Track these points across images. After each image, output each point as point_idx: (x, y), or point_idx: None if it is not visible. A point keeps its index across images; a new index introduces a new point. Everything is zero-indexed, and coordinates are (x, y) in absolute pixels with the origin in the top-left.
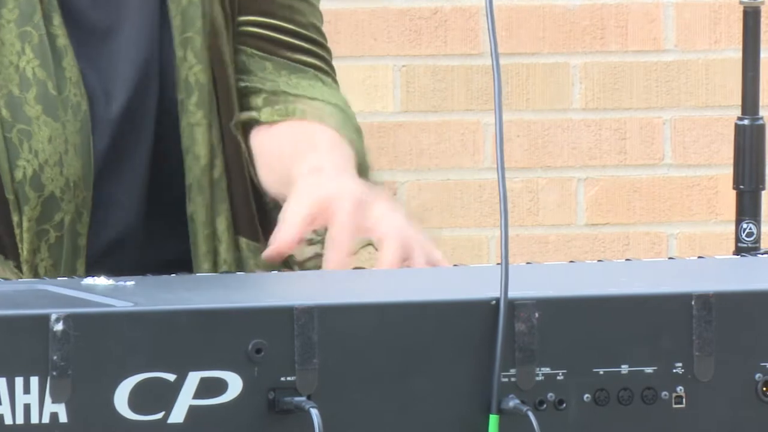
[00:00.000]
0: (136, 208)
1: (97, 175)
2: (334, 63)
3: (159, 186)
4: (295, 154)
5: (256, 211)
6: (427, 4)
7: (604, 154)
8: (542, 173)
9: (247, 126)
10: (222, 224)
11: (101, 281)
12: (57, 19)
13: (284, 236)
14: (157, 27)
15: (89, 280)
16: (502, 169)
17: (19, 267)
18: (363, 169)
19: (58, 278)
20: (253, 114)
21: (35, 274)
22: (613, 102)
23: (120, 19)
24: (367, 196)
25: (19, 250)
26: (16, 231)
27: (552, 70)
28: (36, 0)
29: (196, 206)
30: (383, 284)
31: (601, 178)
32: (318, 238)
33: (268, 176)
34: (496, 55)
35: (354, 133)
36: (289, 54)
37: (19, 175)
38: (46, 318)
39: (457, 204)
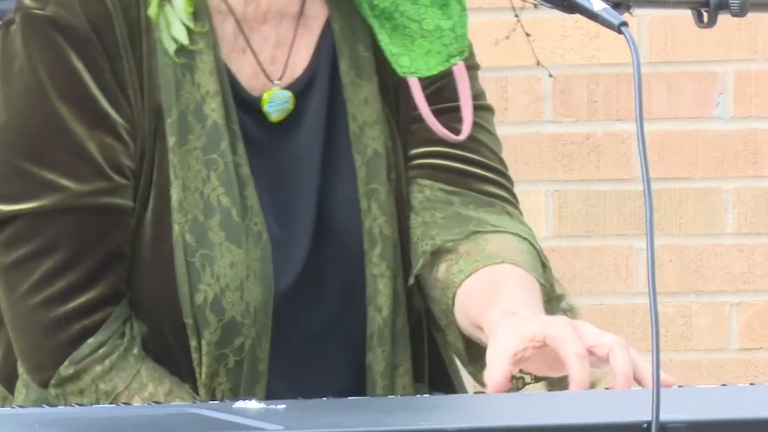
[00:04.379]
0: (314, 346)
1: (278, 307)
2: None
3: (340, 328)
4: (486, 301)
5: (441, 358)
6: (579, 129)
7: (757, 278)
8: (695, 298)
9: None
10: (402, 376)
11: (252, 404)
12: (241, 148)
13: (495, 376)
14: (322, 179)
15: (240, 404)
16: (653, 292)
17: (196, 390)
18: (552, 300)
19: (210, 402)
20: (454, 280)
21: (212, 398)
22: (766, 227)
23: (297, 159)
24: (572, 322)
25: (197, 374)
26: (194, 355)
27: (705, 194)
28: (223, 128)
29: (376, 357)
30: (536, 407)
31: (755, 302)
32: (528, 379)
33: (463, 321)
34: (647, 180)
35: (541, 266)
36: (477, 186)
37: (199, 299)
38: None
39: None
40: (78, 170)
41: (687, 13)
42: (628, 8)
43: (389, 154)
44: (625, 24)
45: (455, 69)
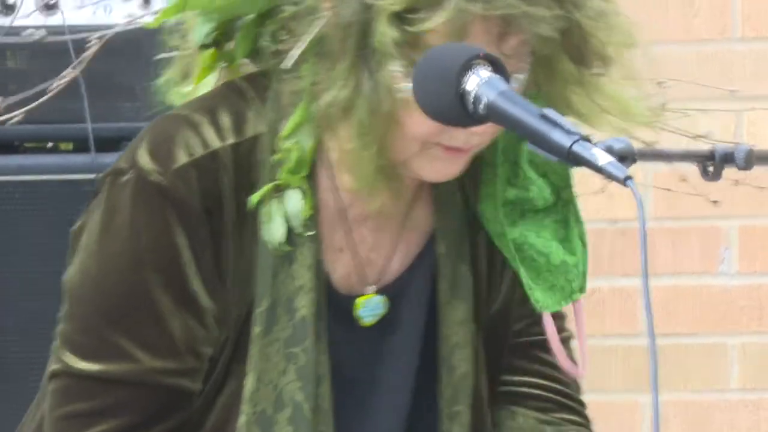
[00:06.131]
0: None
1: None
2: None
3: None
4: None
5: None
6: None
7: None
8: None
9: None
10: None
11: None
12: (323, 346)
13: None
14: (414, 392)
15: None
16: None
17: None
18: None
19: None
20: None
21: None
22: None
23: (380, 365)
24: None
25: None
26: None
27: (709, 350)
28: (310, 324)
29: None
30: None
31: None
32: None
33: None
34: (652, 336)
35: None
36: (564, 416)
37: None
38: None
39: None
40: (154, 345)
41: (692, 168)
42: (633, 161)
43: (475, 376)
44: (630, 177)
45: (575, 305)
